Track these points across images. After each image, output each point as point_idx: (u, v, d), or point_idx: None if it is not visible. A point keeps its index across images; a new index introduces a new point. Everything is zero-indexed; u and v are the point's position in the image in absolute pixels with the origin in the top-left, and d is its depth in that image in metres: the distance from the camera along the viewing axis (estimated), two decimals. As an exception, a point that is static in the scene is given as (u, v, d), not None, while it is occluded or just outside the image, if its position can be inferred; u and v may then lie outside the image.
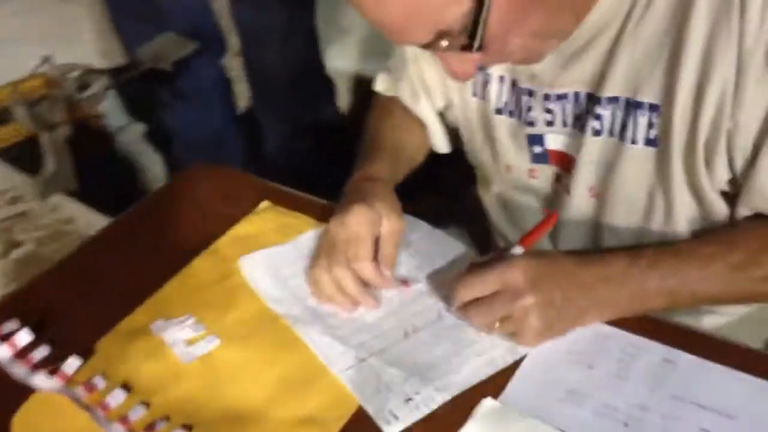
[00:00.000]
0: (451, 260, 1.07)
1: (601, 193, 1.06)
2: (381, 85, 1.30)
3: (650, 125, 0.98)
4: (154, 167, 2.31)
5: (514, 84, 1.08)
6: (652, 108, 0.97)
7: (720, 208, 1.01)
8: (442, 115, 1.24)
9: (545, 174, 1.12)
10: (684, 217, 1.02)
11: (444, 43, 0.88)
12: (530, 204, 1.17)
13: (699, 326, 1.08)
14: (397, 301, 1.02)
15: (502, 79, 1.09)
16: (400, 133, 1.22)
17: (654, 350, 0.94)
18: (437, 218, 1.14)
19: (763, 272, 0.95)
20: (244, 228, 1.13)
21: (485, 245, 1.30)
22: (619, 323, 0.96)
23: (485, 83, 1.11)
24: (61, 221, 1.45)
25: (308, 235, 1.12)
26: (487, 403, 0.90)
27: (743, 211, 0.99)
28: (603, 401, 0.90)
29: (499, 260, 0.94)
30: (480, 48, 0.87)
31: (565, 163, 1.09)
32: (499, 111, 1.11)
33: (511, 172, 1.14)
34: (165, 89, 2.14)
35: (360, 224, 1.00)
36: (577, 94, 1.03)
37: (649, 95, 0.97)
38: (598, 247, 1.11)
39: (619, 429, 0.87)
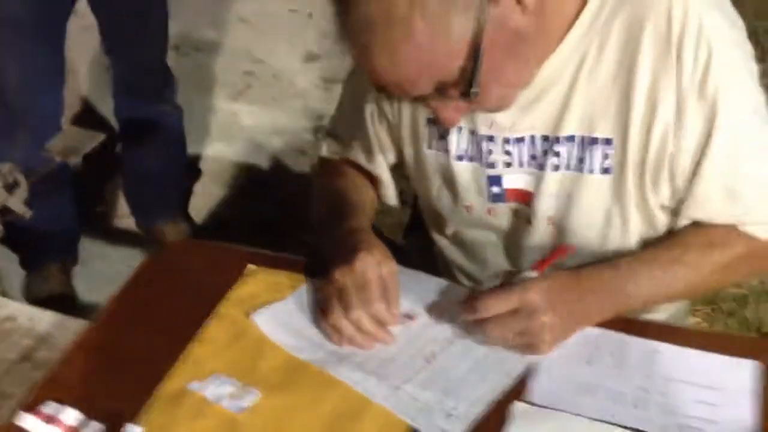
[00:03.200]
0: (440, 295, 1.20)
1: (560, 221, 1.23)
2: (328, 150, 1.42)
3: (605, 156, 1.16)
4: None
5: (472, 132, 1.23)
6: (606, 141, 1.16)
7: (662, 222, 1.21)
8: (392, 170, 1.38)
9: (502, 211, 1.27)
10: (636, 232, 1.21)
11: (440, 93, 1.04)
12: (488, 238, 1.32)
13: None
14: (407, 335, 1.14)
15: (460, 129, 1.24)
16: (358, 192, 1.35)
17: (639, 344, 1.12)
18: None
19: (711, 266, 1.15)
20: (240, 291, 1.21)
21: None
22: (603, 324, 1.13)
23: (441, 136, 1.26)
24: (1, 319, 1.44)
25: (302, 289, 1.21)
26: (518, 405, 1.03)
27: (683, 221, 1.18)
28: (611, 389, 1.05)
29: (514, 283, 1.09)
30: (476, 94, 1.03)
31: (523, 198, 1.24)
32: (459, 158, 1.25)
33: (471, 212, 1.29)
34: None
35: (367, 270, 1.12)
36: (533, 137, 1.20)
37: (603, 131, 1.15)
38: (559, 266, 1.27)
39: (629, 409, 1.03)
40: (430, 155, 1.28)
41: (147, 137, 2.46)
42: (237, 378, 1.07)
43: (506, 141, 1.21)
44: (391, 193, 1.40)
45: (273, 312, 1.17)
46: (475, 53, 1.00)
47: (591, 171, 1.17)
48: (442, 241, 1.40)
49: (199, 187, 2.85)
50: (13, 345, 1.39)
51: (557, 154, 1.18)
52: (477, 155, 1.24)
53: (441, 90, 1.04)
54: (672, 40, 1.09)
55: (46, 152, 1.66)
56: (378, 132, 1.33)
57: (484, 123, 1.21)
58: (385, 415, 1.02)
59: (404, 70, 1.02)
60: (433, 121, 1.24)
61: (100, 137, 1.72)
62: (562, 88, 1.15)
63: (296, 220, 2.73)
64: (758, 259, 1.20)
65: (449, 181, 1.28)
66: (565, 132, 1.17)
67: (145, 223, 2.66)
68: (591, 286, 1.11)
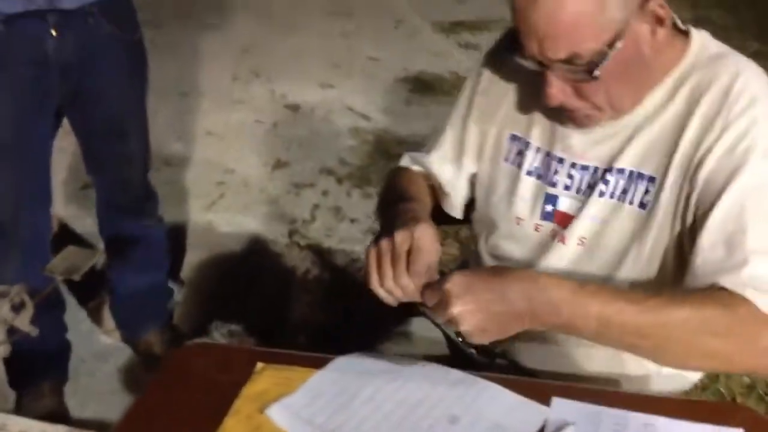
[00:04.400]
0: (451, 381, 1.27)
1: (589, 242, 1.35)
2: (406, 162, 1.58)
3: (646, 191, 1.30)
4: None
5: (547, 154, 1.39)
6: (650, 179, 1.30)
7: (670, 272, 1.30)
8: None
9: (546, 229, 1.40)
10: (646, 269, 1.31)
11: (567, 64, 1.21)
12: (521, 252, 1.43)
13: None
14: (431, 399, 1.22)
15: (538, 149, 1.41)
16: (424, 195, 1.50)
17: (636, 418, 1.19)
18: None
19: (672, 317, 1.15)
20: (252, 388, 1.27)
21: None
22: (604, 401, 1.21)
23: (520, 152, 1.42)
24: (5, 433, 1.49)
25: (310, 382, 1.28)
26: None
27: (691, 281, 1.23)
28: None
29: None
30: (596, 78, 1.20)
31: (566, 221, 1.37)
32: (529, 173, 1.41)
33: (520, 224, 1.42)
34: None
35: (424, 238, 1.22)
36: (596, 168, 1.34)
37: (650, 169, 1.30)
38: None
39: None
40: (505, 167, 1.44)
41: (131, 253, 2.52)
42: (259, 470, 1.13)
43: (573, 165, 1.36)
44: (458, 204, 1.54)
45: (285, 405, 1.23)
46: (612, 42, 1.19)
47: (631, 203, 1.31)
48: (483, 253, 1.51)
49: (180, 296, 2.90)
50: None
51: (606, 182, 1.32)
52: (544, 174, 1.38)
53: (570, 60, 1.20)
54: (726, 102, 1.24)
55: (49, 272, 1.72)
56: (470, 135, 1.48)
57: (560, 146, 1.37)
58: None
59: (561, 21, 1.18)
60: (516, 138, 1.41)
61: (98, 254, 1.80)
62: (631, 128, 1.30)
63: (281, 321, 2.81)
64: (747, 326, 1.16)
65: (512, 192, 1.42)
66: (619, 165, 1.31)
67: (131, 336, 2.69)
68: (513, 278, 1.17)
